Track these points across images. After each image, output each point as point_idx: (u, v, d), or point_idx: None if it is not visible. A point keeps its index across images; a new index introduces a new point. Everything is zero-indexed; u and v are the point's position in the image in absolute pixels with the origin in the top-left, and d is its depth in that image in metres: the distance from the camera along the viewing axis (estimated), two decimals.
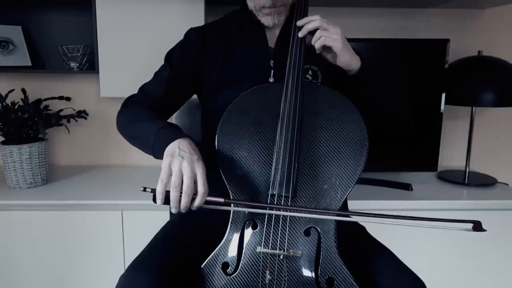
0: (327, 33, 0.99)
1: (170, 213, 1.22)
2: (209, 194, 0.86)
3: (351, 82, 1.05)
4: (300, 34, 1.02)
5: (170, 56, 1.18)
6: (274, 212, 0.90)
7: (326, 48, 1.01)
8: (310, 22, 1.01)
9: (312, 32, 1.01)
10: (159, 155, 0.92)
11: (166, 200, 0.83)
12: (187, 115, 1.40)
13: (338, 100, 0.98)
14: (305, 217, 0.90)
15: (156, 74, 1.17)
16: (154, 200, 0.84)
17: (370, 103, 1.06)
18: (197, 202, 0.84)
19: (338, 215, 0.90)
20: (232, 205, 0.92)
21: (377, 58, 1.78)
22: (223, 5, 1.71)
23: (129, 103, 1.11)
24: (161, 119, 1.02)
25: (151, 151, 0.95)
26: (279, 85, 1.01)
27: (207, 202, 0.86)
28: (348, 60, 1.01)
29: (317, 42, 0.99)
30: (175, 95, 1.15)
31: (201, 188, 0.84)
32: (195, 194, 0.85)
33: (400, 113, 1.14)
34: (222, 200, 0.88)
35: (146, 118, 1.02)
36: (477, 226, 0.82)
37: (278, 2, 1.06)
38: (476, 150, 2.02)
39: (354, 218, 0.99)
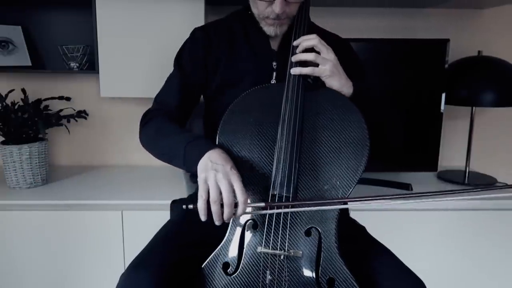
0: (321, 58, 0.99)
1: (171, 212, 1.22)
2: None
3: None
4: (293, 59, 1.02)
5: (179, 60, 1.18)
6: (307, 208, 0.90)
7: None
8: (306, 41, 1.01)
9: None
10: (192, 169, 0.93)
11: (210, 215, 0.85)
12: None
13: (339, 101, 0.98)
14: (305, 217, 0.90)
15: (167, 81, 1.18)
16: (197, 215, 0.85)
17: None
18: (240, 210, 0.85)
19: (344, 203, 0.89)
20: (275, 207, 0.91)
21: (377, 58, 1.78)
22: (223, 5, 1.71)
23: (149, 119, 1.10)
24: (185, 130, 1.02)
25: (184, 168, 0.96)
26: (281, 85, 1.01)
27: (249, 209, 0.87)
28: (337, 86, 1.01)
29: (305, 70, 1.00)
30: (190, 100, 1.16)
31: (240, 196, 0.85)
32: (236, 203, 0.85)
33: (386, 134, 1.13)
34: (263, 204, 0.88)
35: (171, 133, 1.01)
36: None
37: (282, 15, 1.06)
38: (476, 150, 2.02)
39: (353, 205, 0.98)
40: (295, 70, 1.01)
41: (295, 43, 1.04)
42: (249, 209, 0.88)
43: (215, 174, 0.85)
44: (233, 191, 0.85)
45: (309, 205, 0.91)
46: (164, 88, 1.17)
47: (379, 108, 1.11)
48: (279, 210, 0.90)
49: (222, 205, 0.84)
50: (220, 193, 0.84)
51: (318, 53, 1.01)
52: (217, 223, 0.85)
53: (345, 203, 0.91)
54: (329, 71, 0.99)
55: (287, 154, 0.93)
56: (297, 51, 1.02)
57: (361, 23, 1.97)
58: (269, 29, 1.10)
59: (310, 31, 1.06)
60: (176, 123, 1.07)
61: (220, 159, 0.88)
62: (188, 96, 1.15)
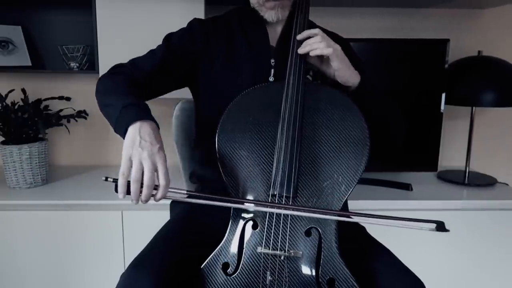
0: (327, 40, 0.99)
1: (171, 212, 1.22)
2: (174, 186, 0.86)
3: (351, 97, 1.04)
4: (301, 51, 1.00)
5: (169, 38, 1.16)
6: (231, 205, 0.90)
7: (324, 61, 1.02)
8: (312, 37, 1.00)
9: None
10: (119, 133, 0.91)
11: (128, 192, 0.83)
12: (187, 115, 1.40)
13: (339, 100, 0.98)
14: (305, 218, 0.90)
15: (150, 51, 1.15)
16: (116, 190, 0.83)
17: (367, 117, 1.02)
18: (160, 194, 0.84)
19: (337, 214, 0.90)
20: (225, 201, 0.91)
21: (377, 58, 1.78)
22: (223, 5, 1.71)
23: (113, 72, 1.08)
24: (134, 95, 0.98)
25: (114, 127, 0.93)
26: (280, 84, 1.01)
27: (170, 195, 0.86)
28: (347, 75, 1.01)
29: (325, 50, 0.98)
30: (163, 77, 1.12)
31: (162, 180, 0.84)
32: (157, 186, 0.84)
33: (394, 126, 1.13)
34: (184, 191, 0.87)
35: (120, 91, 0.98)
36: (440, 227, 0.83)
37: None
38: (476, 150, 2.02)
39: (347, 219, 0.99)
40: (304, 48, 0.99)
41: (298, 37, 1.03)
42: (171, 194, 0.86)
43: (141, 152, 0.84)
44: (156, 173, 0.84)
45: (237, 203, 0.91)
46: (144, 55, 1.14)
47: (385, 103, 1.10)
48: (202, 201, 0.89)
49: (142, 185, 0.83)
50: (143, 172, 0.83)
51: None
52: (133, 202, 0.84)
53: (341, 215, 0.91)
54: (339, 52, 0.99)
55: (287, 153, 0.93)
56: (304, 44, 1.00)
57: (361, 23, 1.97)
58: (270, 15, 1.09)
59: (310, 28, 1.06)
60: (138, 90, 1.03)
61: (150, 136, 0.87)
62: (163, 72, 1.11)
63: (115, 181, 0.84)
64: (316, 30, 1.01)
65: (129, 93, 0.98)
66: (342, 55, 1.01)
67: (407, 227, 0.85)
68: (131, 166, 0.83)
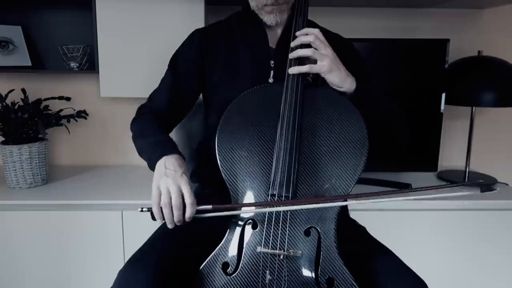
0: (318, 53, 0.99)
1: None
2: (200, 203, 0.92)
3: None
4: (291, 56, 1.03)
5: (174, 61, 1.21)
6: (268, 209, 0.92)
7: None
8: (304, 36, 1.01)
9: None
10: (153, 169, 1.00)
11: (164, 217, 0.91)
12: (187, 115, 1.40)
13: (338, 101, 0.98)
14: (305, 217, 0.90)
15: (162, 81, 1.21)
16: (153, 219, 0.92)
17: (368, 122, 1.01)
18: (188, 213, 0.90)
19: (331, 201, 0.90)
20: (239, 210, 0.95)
21: (377, 58, 1.78)
22: (223, 5, 1.71)
23: (138, 115, 1.17)
24: (159, 132, 1.07)
25: (149, 166, 1.03)
26: (279, 86, 1.01)
27: (198, 212, 0.92)
28: (337, 81, 1.00)
29: (303, 68, 0.99)
30: (179, 101, 1.19)
31: (187, 199, 0.90)
32: (185, 207, 0.90)
33: (397, 130, 1.12)
34: (210, 207, 0.92)
35: (148, 134, 1.08)
36: (486, 187, 0.83)
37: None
38: (476, 150, 2.02)
39: (352, 202, 1.00)
40: (293, 70, 1.00)
41: (297, 33, 1.03)
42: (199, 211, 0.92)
43: (166, 179, 0.91)
44: (183, 196, 0.90)
45: (273, 206, 0.91)
46: (158, 87, 1.22)
47: (387, 107, 1.10)
48: (226, 213, 0.93)
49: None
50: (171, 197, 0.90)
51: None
52: (169, 226, 0.91)
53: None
54: (328, 66, 0.98)
55: (286, 154, 0.93)
56: (293, 45, 1.02)
57: (361, 23, 1.97)
58: (269, 18, 1.10)
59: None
60: (162, 122, 1.12)
61: (173, 165, 0.95)
62: (178, 97, 1.18)
63: (150, 210, 0.92)
64: (316, 30, 1.01)
65: (154, 133, 1.08)
66: (330, 61, 0.99)
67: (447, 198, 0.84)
68: (160, 195, 0.91)
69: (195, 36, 1.20)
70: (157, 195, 0.91)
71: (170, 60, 1.22)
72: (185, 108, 1.22)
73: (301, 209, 0.90)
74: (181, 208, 0.90)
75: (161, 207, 0.90)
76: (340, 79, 1.00)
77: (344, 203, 0.90)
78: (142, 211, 0.93)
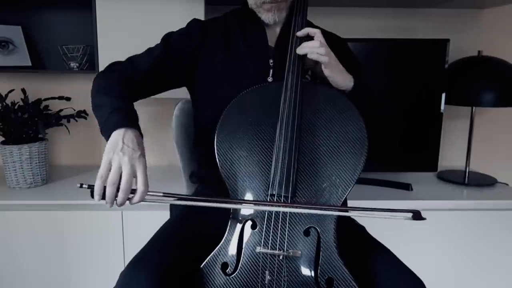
0: (324, 48, 0.99)
1: (171, 211, 1.22)
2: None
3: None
4: (300, 51, 1.01)
5: (168, 37, 1.17)
6: (223, 205, 0.91)
7: (318, 65, 1.01)
8: (312, 40, 1.00)
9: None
10: (105, 135, 0.92)
11: (104, 196, 0.84)
12: (187, 115, 1.40)
13: (337, 100, 0.98)
14: (304, 217, 0.90)
15: (148, 49, 1.16)
16: (92, 195, 0.84)
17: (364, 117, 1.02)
18: (135, 199, 0.85)
19: (327, 209, 0.90)
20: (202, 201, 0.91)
21: (377, 58, 1.78)
22: (223, 5, 1.71)
23: (109, 70, 1.09)
24: (125, 98, 0.99)
25: (100, 129, 0.95)
26: (279, 85, 1.01)
27: (147, 198, 0.86)
28: (340, 81, 1.01)
29: (322, 58, 0.98)
30: (160, 76, 1.13)
31: (141, 185, 0.85)
32: (134, 190, 0.85)
33: (389, 127, 1.12)
34: (161, 193, 0.87)
35: (112, 92, 0.99)
36: (417, 215, 0.84)
37: None
38: (476, 150, 2.02)
39: (348, 214, 0.99)
40: (303, 49, 0.99)
41: (299, 33, 1.03)
42: (148, 198, 0.87)
43: (121, 157, 0.85)
44: (136, 179, 0.85)
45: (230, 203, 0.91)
46: (142, 53, 1.15)
47: (381, 104, 1.10)
48: (179, 202, 0.90)
49: (118, 189, 0.84)
50: (120, 177, 0.84)
51: None
52: (107, 205, 0.84)
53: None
54: (332, 61, 0.99)
55: (286, 153, 0.93)
56: (304, 45, 1.01)
57: (361, 23, 1.97)
58: (267, 16, 1.09)
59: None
60: (132, 88, 1.04)
61: (132, 142, 0.88)
62: (160, 71, 1.12)
63: (91, 187, 0.84)
64: (317, 30, 1.02)
65: (120, 95, 0.99)
66: (335, 62, 1.01)
67: (383, 217, 0.85)
68: (110, 170, 0.84)
69: (195, 26, 1.17)
70: (105, 170, 0.84)
71: (164, 37, 1.17)
72: (159, 87, 1.15)
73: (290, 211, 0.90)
74: (129, 191, 0.84)
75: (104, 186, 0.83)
76: (341, 79, 1.01)
77: (340, 213, 0.90)
78: (81, 187, 0.85)
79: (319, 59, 0.98)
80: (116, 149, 0.86)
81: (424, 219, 0.84)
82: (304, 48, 1.00)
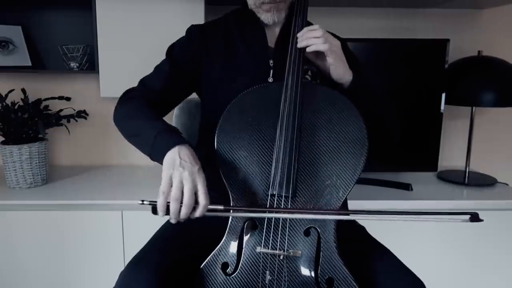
0: (327, 36, 1.00)
1: None
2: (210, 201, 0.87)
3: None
4: (300, 44, 1.01)
5: (171, 51, 1.18)
6: (274, 215, 0.90)
7: (319, 56, 1.02)
8: (311, 31, 1.01)
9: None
10: (157, 159, 0.92)
11: (167, 211, 0.84)
12: (187, 115, 1.40)
13: (338, 100, 0.98)
14: (304, 218, 0.90)
15: (156, 68, 1.17)
16: (154, 212, 0.85)
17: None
18: (198, 213, 0.85)
19: (339, 214, 0.90)
20: (231, 211, 0.92)
21: (377, 58, 1.78)
22: (223, 5, 1.71)
23: (129, 97, 1.09)
24: (160, 118, 1.00)
25: (149, 154, 0.95)
26: (279, 85, 1.01)
27: (207, 211, 0.87)
28: (342, 72, 1.02)
29: (320, 46, 0.99)
30: (174, 90, 1.15)
31: (202, 200, 0.85)
32: (196, 204, 0.85)
33: (389, 124, 1.12)
34: (222, 207, 0.88)
35: (146, 117, 1.00)
36: (475, 217, 0.83)
37: None
38: (476, 150, 2.02)
39: (352, 217, 0.99)
40: (301, 42, 1.00)
41: (299, 34, 1.03)
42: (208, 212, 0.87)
43: (182, 172, 0.85)
44: (196, 193, 0.85)
45: (280, 212, 0.91)
46: (151, 73, 1.16)
47: (382, 103, 1.10)
48: (237, 214, 0.90)
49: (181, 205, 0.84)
50: (182, 192, 0.84)
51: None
52: (172, 221, 0.85)
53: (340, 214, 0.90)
54: (335, 48, 1.00)
55: (286, 154, 0.93)
56: (302, 38, 1.01)
57: (361, 23, 1.97)
58: (266, 17, 1.09)
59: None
60: (154, 109, 1.04)
61: (189, 157, 0.88)
62: (173, 86, 1.13)
63: (152, 203, 0.85)
64: (316, 26, 1.02)
65: (155, 117, 0.99)
66: (339, 51, 1.02)
67: (440, 220, 0.84)
68: (171, 186, 0.85)
69: (194, 32, 1.18)
70: (167, 185, 0.85)
71: (168, 50, 1.18)
72: (176, 100, 1.18)
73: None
74: (192, 206, 0.84)
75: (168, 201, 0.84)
76: (343, 70, 1.02)
77: (340, 217, 0.90)
78: (143, 203, 0.86)
79: (318, 48, 0.98)
80: (175, 165, 0.86)
81: (481, 220, 0.83)
82: (302, 41, 1.01)
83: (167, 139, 0.92)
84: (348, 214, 0.94)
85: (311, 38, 1.00)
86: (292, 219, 0.90)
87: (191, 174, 0.85)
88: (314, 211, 0.90)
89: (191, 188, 0.84)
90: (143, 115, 1.01)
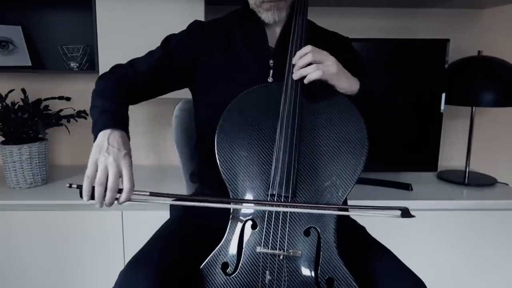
0: (322, 66, 0.96)
1: (170, 211, 1.22)
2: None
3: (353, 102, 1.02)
4: (295, 77, 0.98)
5: (167, 40, 1.17)
6: (208, 204, 0.91)
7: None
8: (302, 57, 0.97)
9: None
10: (94, 135, 0.95)
11: (93, 196, 0.85)
12: (188, 115, 1.40)
13: (338, 100, 0.98)
14: (304, 217, 0.90)
15: (149, 52, 1.17)
16: (81, 196, 0.86)
17: (373, 119, 1.01)
18: (123, 197, 0.86)
19: (311, 208, 0.90)
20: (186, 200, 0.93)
21: (377, 58, 1.78)
22: (223, 5, 1.71)
23: (110, 72, 1.11)
24: (118, 101, 1.01)
25: (92, 131, 0.97)
26: (279, 85, 1.01)
27: (134, 197, 0.88)
28: (346, 86, 0.99)
29: (313, 75, 0.96)
30: (159, 79, 1.14)
31: (126, 184, 0.86)
32: (121, 189, 0.86)
33: (403, 123, 1.12)
34: (147, 192, 0.88)
35: (107, 95, 1.02)
36: (405, 213, 0.84)
37: None
38: (476, 150, 2.02)
39: (347, 213, 0.99)
40: (296, 74, 0.97)
41: (293, 60, 1.00)
42: (135, 197, 0.88)
43: (107, 157, 0.87)
44: (122, 178, 0.86)
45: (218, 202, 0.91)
46: (142, 56, 1.16)
47: (390, 104, 1.10)
48: (165, 201, 0.91)
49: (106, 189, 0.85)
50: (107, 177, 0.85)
51: None
52: (97, 205, 0.86)
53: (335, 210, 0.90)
54: (336, 74, 0.97)
55: (286, 153, 0.93)
56: (295, 70, 0.99)
57: (361, 23, 1.97)
58: (267, 16, 1.09)
59: (308, 30, 1.07)
60: (129, 91, 1.06)
61: (118, 142, 0.90)
62: (160, 73, 1.12)
63: (80, 187, 0.86)
64: (307, 49, 0.97)
65: (113, 97, 1.01)
66: (336, 68, 0.97)
67: (373, 215, 0.85)
68: (97, 171, 0.86)
69: (195, 29, 1.17)
70: (92, 170, 0.86)
71: (165, 40, 1.18)
72: (157, 90, 1.16)
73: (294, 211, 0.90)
74: (116, 190, 0.85)
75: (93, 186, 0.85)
76: (348, 84, 0.99)
77: (338, 212, 0.90)
78: (70, 187, 0.87)
79: (311, 79, 0.96)
80: (102, 150, 0.89)
81: (413, 216, 0.84)
82: (296, 72, 0.98)
83: (105, 119, 0.94)
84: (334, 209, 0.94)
85: (303, 68, 0.96)
86: (293, 219, 0.90)
87: (116, 159, 0.87)
88: (296, 204, 0.89)
89: (115, 173, 0.85)
90: (106, 92, 1.03)
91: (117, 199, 0.87)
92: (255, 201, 0.93)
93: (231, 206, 0.93)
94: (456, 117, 2.06)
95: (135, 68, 1.11)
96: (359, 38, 1.73)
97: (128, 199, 0.87)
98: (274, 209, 0.90)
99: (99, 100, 1.00)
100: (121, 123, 0.96)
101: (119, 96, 1.03)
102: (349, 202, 1.12)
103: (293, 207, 0.90)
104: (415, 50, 1.77)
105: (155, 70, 1.11)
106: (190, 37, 1.16)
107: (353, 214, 0.88)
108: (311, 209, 0.89)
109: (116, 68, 1.13)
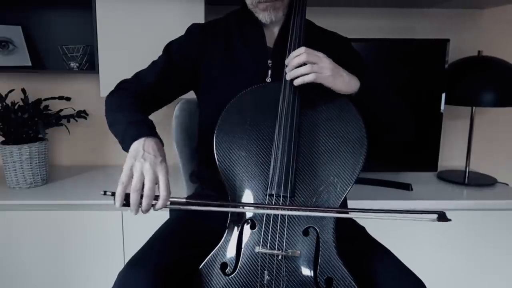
0: (317, 67, 0.95)
1: (170, 211, 1.22)
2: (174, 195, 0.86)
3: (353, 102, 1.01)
4: (288, 77, 0.97)
5: (169, 47, 1.18)
6: (229, 209, 0.91)
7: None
8: (296, 58, 0.96)
9: None
10: (126, 149, 0.93)
11: (127, 203, 0.83)
12: (187, 115, 1.40)
13: (336, 100, 0.98)
14: (303, 217, 0.90)
15: (152, 62, 1.17)
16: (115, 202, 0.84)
17: (372, 119, 1.01)
18: (159, 205, 0.85)
19: (314, 211, 0.89)
20: (224, 206, 0.92)
21: (377, 58, 1.78)
22: (223, 5, 1.71)
23: (118, 88, 1.12)
24: (138, 110, 1.01)
25: (121, 144, 0.96)
26: (277, 85, 1.01)
27: (170, 203, 0.86)
28: (343, 86, 0.98)
29: (306, 78, 0.95)
30: (167, 86, 1.14)
31: (163, 191, 0.85)
32: (157, 196, 0.85)
33: (402, 124, 1.12)
34: (183, 200, 0.87)
35: (125, 108, 1.01)
36: (442, 217, 0.83)
37: None
38: (476, 150, 2.02)
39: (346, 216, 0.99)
40: (297, 81, 0.96)
41: (286, 61, 1.00)
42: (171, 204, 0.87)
43: (143, 163, 0.85)
44: (157, 184, 0.85)
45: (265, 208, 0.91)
46: (146, 68, 1.17)
47: (390, 103, 1.10)
48: (202, 208, 0.89)
49: (142, 196, 0.83)
50: (143, 183, 0.84)
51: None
52: (132, 213, 0.84)
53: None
54: (331, 76, 0.96)
55: (284, 153, 0.93)
56: (288, 70, 0.98)
57: (361, 23, 1.97)
58: (264, 16, 1.09)
59: (307, 30, 1.07)
60: (141, 102, 1.06)
61: (153, 149, 0.89)
62: (166, 82, 1.13)
63: (114, 194, 0.84)
64: (301, 50, 0.96)
65: (134, 109, 1.01)
66: (332, 70, 0.96)
67: (408, 219, 0.84)
68: (132, 176, 0.84)
69: (194, 31, 1.18)
70: (127, 176, 0.85)
71: (166, 47, 1.18)
72: (168, 97, 1.17)
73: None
74: (153, 197, 0.83)
75: (127, 193, 0.83)
76: (345, 85, 0.98)
77: (338, 215, 0.90)
78: (105, 194, 0.85)
79: (304, 81, 0.95)
80: (137, 156, 0.87)
81: (449, 220, 0.82)
82: (289, 73, 0.97)
83: (135, 129, 0.93)
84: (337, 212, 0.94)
85: (296, 69, 0.95)
86: (291, 219, 0.90)
87: (152, 165, 0.85)
88: (301, 207, 0.90)
89: (152, 180, 0.84)
90: (124, 106, 1.02)
91: (152, 205, 0.85)
92: (261, 205, 0.92)
93: (239, 210, 0.92)
94: (456, 117, 2.06)
95: (141, 81, 1.13)
96: (358, 38, 1.73)
97: (164, 206, 0.85)
98: (276, 212, 0.90)
99: (119, 114, 1.00)
100: (153, 131, 0.96)
101: (137, 107, 1.03)
102: (351, 203, 1.13)
103: (297, 210, 0.90)
104: (415, 50, 1.77)
105: (161, 79, 1.12)
106: (189, 40, 1.17)
107: (388, 219, 0.86)
108: (314, 212, 0.89)
109: (123, 83, 1.14)
